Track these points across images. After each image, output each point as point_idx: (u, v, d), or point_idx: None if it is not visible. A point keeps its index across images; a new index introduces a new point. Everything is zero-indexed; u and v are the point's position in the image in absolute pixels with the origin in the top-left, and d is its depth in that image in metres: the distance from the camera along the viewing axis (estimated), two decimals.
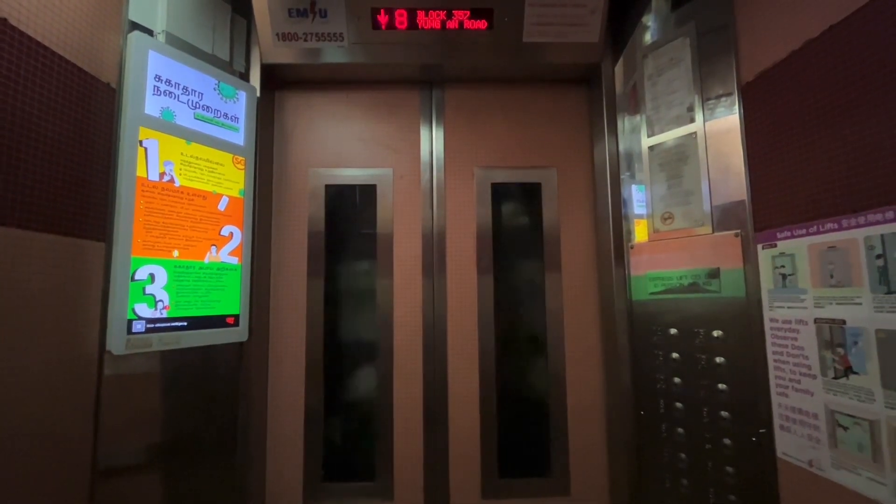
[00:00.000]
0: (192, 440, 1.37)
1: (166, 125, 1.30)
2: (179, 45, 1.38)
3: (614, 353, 1.56)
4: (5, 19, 0.92)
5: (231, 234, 1.46)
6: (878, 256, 0.92)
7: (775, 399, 1.15)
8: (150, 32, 1.32)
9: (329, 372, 1.67)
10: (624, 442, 1.52)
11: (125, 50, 1.24)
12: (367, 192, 1.74)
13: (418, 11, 1.52)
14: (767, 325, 1.17)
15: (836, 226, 1.00)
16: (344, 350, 1.71)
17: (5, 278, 0.92)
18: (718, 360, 1.29)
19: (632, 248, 1.54)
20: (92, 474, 1.13)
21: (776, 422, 1.15)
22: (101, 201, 1.17)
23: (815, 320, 1.05)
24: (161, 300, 1.26)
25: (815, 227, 1.04)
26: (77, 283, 1.10)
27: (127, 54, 1.23)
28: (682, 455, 1.36)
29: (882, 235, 0.91)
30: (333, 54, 1.59)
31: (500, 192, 1.75)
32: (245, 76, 1.61)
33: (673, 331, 1.40)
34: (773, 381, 1.16)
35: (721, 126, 1.31)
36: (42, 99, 1.01)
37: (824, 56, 1.02)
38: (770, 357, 1.17)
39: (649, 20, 1.53)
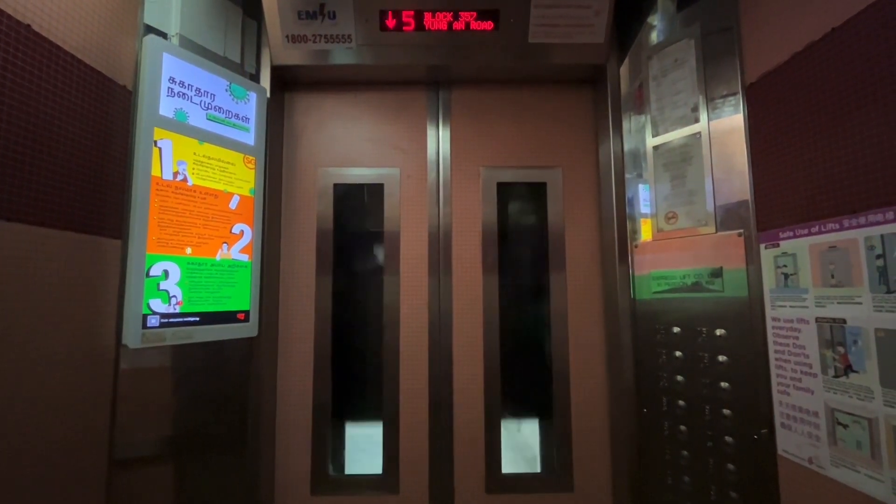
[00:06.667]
0: (203, 433, 1.41)
1: (180, 126, 1.34)
2: (192, 47, 1.42)
3: (618, 351, 1.58)
4: (29, 25, 0.96)
5: (242, 231, 1.49)
6: (879, 256, 0.93)
7: (776, 397, 1.17)
8: (164, 35, 1.36)
9: (336, 367, 1.70)
10: (627, 439, 1.53)
11: (141, 53, 1.28)
12: (375, 192, 1.77)
13: (425, 13, 1.54)
14: (769, 324, 1.19)
15: (837, 226, 1.01)
16: (351, 346, 1.74)
17: (27, 274, 0.96)
18: (721, 358, 1.30)
19: (636, 247, 1.55)
20: (109, 464, 1.17)
21: (777, 420, 1.16)
22: (118, 200, 1.21)
23: (816, 319, 1.06)
24: (174, 296, 1.30)
25: (817, 227, 1.05)
26: (95, 279, 1.14)
27: (142, 57, 1.27)
28: (684, 452, 1.37)
29: (882, 236, 0.92)
30: (342, 56, 1.62)
31: (505, 192, 1.77)
32: (256, 77, 1.65)
33: (676, 329, 1.41)
34: (774, 380, 1.17)
35: (725, 126, 1.32)
36: (62, 101, 1.05)
37: (826, 58, 1.03)
38: (772, 356, 1.18)
39: (655, 21, 1.54)
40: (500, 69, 1.72)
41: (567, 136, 1.78)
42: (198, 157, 1.38)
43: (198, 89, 1.39)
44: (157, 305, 1.26)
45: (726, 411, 1.28)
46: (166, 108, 1.31)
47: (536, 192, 1.77)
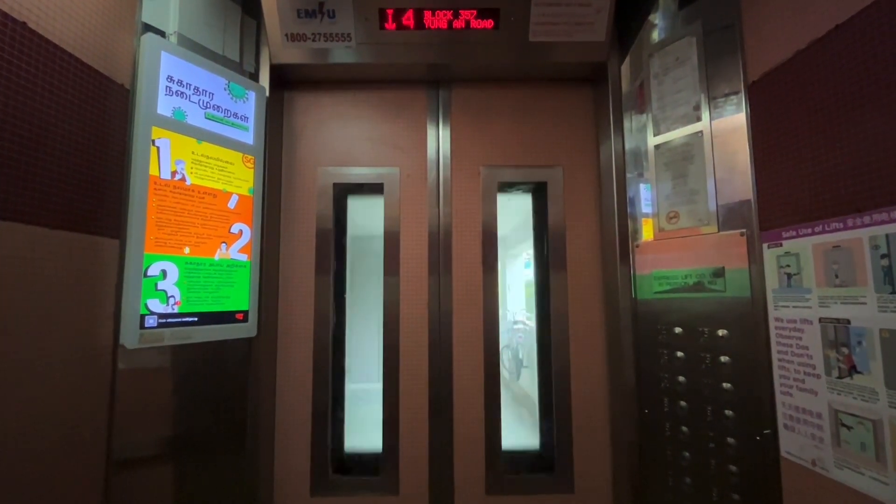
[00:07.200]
0: (202, 433, 1.40)
1: (178, 125, 1.33)
2: (191, 46, 1.41)
3: (619, 351, 1.57)
4: (25, 23, 0.95)
5: (241, 231, 1.49)
6: (883, 256, 0.91)
7: (779, 398, 1.15)
8: (162, 34, 1.35)
9: (336, 368, 1.70)
10: (628, 440, 1.52)
11: (138, 51, 1.27)
12: (375, 191, 1.76)
13: (425, 11, 1.53)
14: (772, 324, 1.17)
15: (841, 225, 1.00)
16: (351, 346, 1.73)
17: (24, 274, 0.95)
18: (723, 359, 1.29)
19: (637, 247, 1.54)
20: (107, 465, 1.16)
21: (780, 421, 1.15)
22: (116, 199, 1.21)
23: (820, 320, 1.05)
24: (173, 296, 1.29)
25: (821, 226, 1.04)
26: (92, 279, 1.13)
27: (140, 55, 1.26)
28: (686, 453, 1.36)
29: (887, 235, 0.91)
30: (341, 54, 1.61)
31: (506, 191, 1.76)
32: (255, 76, 1.64)
33: (678, 330, 1.40)
34: (777, 381, 1.16)
35: (727, 125, 1.31)
36: (59, 100, 1.04)
37: (830, 55, 1.02)
38: (774, 356, 1.17)
39: (656, 19, 1.53)
40: (501, 68, 1.70)
41: (568, 135, 1.77)
42: (196, 156, 1.37)
43: (196, 88, 1.38)
44: (155, 305, 1.26)
45: (728, 412, 1.27)
46: (164, 106, 1.30)
47: (537, 192, 1.76)
